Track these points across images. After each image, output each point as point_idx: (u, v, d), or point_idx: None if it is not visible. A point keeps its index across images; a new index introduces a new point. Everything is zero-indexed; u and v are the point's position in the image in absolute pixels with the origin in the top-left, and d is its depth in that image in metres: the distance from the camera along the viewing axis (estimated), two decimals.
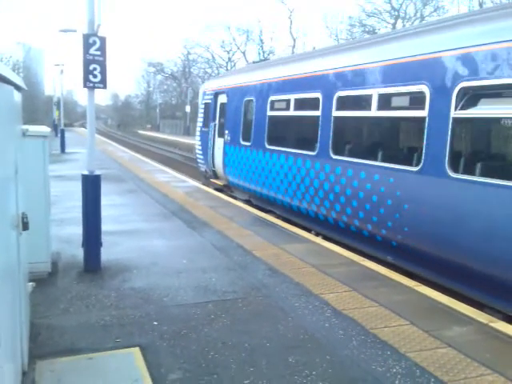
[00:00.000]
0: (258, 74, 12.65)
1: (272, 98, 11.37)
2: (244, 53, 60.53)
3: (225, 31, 60.39)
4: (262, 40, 59.29)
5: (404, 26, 44.57)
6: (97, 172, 6.91)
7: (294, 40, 55.77)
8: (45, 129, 6.73)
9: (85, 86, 6.67)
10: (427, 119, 6.75)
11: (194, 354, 4.54)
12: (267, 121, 11.48)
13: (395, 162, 7.37)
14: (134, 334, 4.90)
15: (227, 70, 55.17)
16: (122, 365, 4.34)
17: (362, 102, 8.43)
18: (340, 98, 8.75)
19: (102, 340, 4.77)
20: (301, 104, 10.27)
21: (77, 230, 7.61)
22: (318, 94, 9.36)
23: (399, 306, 5.71)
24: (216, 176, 15.15)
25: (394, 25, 48.22)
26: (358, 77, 8.26)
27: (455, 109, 6.34)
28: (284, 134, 11.29)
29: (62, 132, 30.75)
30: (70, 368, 4.25)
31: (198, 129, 17.04)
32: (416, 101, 7.13)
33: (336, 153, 8.74)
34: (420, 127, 6.92)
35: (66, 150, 28.75)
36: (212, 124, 15.26)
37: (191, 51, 65.21)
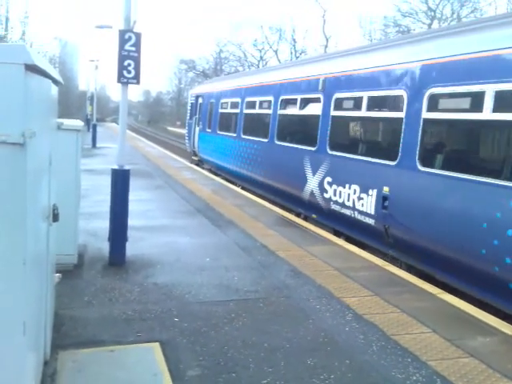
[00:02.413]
0: (217, 85, 19.63)
1: (222, 100, 17.73)
2: (276, 51, 60.35)
3: (257, 30, 60.38)
4: (294, 39, 59.02)
5: (440, 26, 43.77)
6: (126, 167, 7.02)
7: (327, 39, 55.23)
8: (79, 123, 6.86)
9: (119, 81, 6.78)
10: (271, 115, 12.75)
11: (213, 351, 4.57)
12: (219, 115, 17.93)
13: (261, 137, 13.29)
14: (154, 329, 4.97)
15: (258, 68, 55.24)
16: (142, 359, 4.41)
17: (254, 104, 14.43)
18: (247, 102, 14.87)
19: (124, 333, 4.85)
20: (233, 105, 16.39)
21: (104, 224, 7.74)
22: (239, 99, 15.66)
23: (422, 312, 5.64)
24: (195, 155, 21.86)
25: (429, 25, 47.30)
26: (258, 90, 14.27)
27: (279, 108, 12.41)
28: (225, 123, 17.22)
29: (94, 127, 31.28)
30: (91, 359, 4.33)
31: (187, 121, 24.42)
32: (268, 104, 13.16)
33: (244, 134, 14.84)
34: (269, 119, 12.84)
35: (97, 145, 29.23)
36: (194, 117, 22.08)
37: (223, 49, 65.33)
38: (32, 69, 2.87)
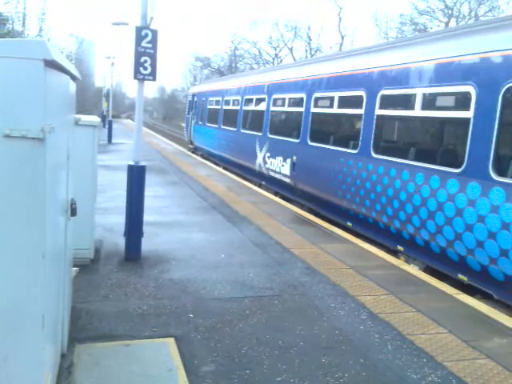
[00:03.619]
0: (207, 86, 25.02)
1: (209, 98, 22.49)
2: (291, 49, 60.09)
3: (272, 27, 60.13)
4: (309, 37, 58.69)
5: (457, 25, 43.17)
6: (142, 163, 7.05)
7: (342, 38, 54.90)
8: (95, 119, 6.91)
9: (135, 77, 6.81)
10: (239, 110, 17.37)
11: (227, 348, 4.58)
12: (207, 111, 22.74)
13: (233, 127, 17.73)
14: (169, 325, 4.99)
15: (273, 65, 55.14)
16: (157, 354, 4.43)
17: (229, 102, 19.00)
18: (225, 100, 19.52)
19: (139, 328, 4.88)
20: (216, 102, 20.98)
21: (119, 219, 7.79)
22: (220, 98, 20.34)
23: (438, 313, 5.59)
24: (192, 143, 26.71)
25: (446, 24, 46.73)
26: (231, 91, 18.96)
27: (243, 105, 16.97)
28: (212, 117, 21.63)
29: (110, 123, 31.48)
30: (107, 353, 4.36)
31: (185, 115, 29.90)
32: (237, 102, 17.88)
33: (223, 125, 19.47)
34: (237, 113, 17.34)
35: (113, 141, 29.42)
36: (190, 113, 27.15)
37: (238, 46, 65.17)
38: (51, 64, 2.89)
